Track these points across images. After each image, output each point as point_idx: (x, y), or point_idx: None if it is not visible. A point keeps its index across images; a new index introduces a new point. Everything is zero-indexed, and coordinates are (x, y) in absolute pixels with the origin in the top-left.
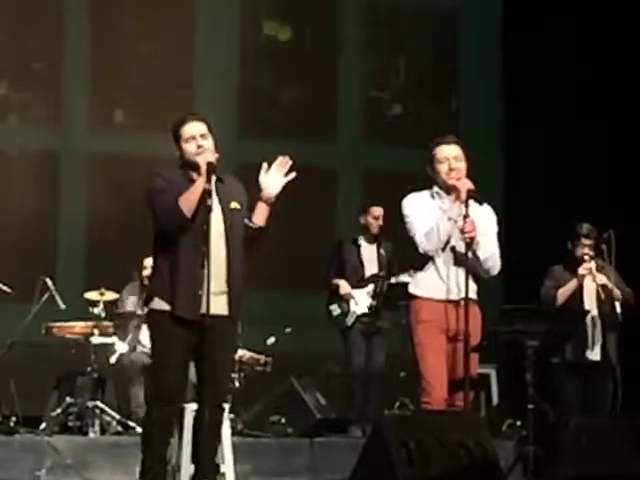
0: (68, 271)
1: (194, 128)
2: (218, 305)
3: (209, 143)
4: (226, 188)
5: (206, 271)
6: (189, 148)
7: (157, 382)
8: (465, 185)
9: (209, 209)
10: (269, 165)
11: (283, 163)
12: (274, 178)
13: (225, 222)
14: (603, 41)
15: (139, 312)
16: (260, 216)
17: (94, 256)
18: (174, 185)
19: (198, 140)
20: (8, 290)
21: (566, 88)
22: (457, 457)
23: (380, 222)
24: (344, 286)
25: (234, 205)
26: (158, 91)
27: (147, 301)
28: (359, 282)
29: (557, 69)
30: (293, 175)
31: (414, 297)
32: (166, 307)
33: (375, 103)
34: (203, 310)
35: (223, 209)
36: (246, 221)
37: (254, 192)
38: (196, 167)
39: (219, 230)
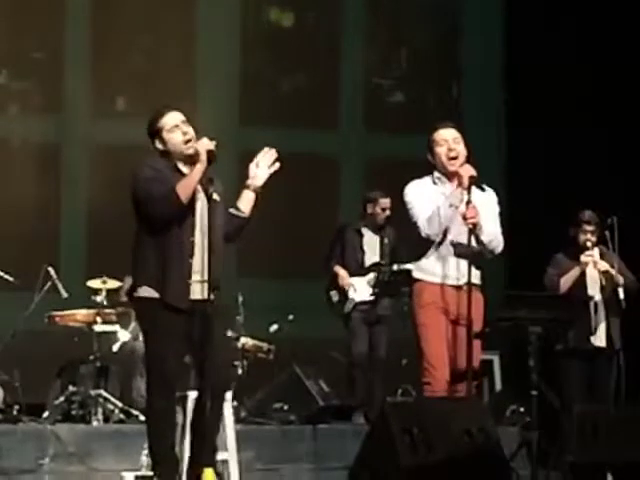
0: (70, 260)
1: (175, 117)
2: (206, 292)
3: (192, 130)
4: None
5: (198, 258)
6: (175, 137)
7: (157, 371)
8: (467, 171)
9: (210, 196)
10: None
11: (267, 154)
12: (260, 168)
13: (209, 211)
14: (606, 32)
15: None
16: (246, 205)
17: (96, 244)
18: (162, 173)
19: (182, 127)
20: (10, 279)
21: (568, 76)
22: (460, 443)
23: (387, 213)
24: (343, 276)
25: (215, 197)
26: (159, 80)
27: (132, 290)
28: (359, 270)
29: (559, 56)
30: (277, 166)
31: (417, 280)
32: (155, 295)
33: (376, 91)
34: (194, 296)
35: (208, 199)
36: (233, 211)
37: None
38: (182, 156)
39: (205, 219)
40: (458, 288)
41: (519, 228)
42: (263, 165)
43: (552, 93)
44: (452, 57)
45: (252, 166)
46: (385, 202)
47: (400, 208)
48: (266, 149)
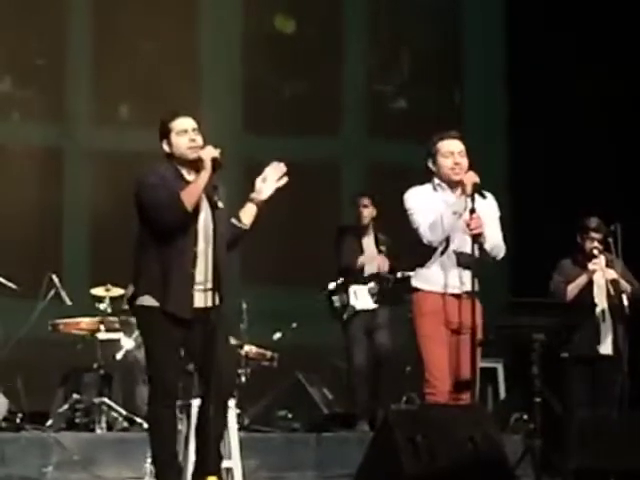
0: (74, 267)
1: (186, 122)
2: (209, 300)
3: (201, 139)
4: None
5: (202, 266)
6: (181, 142)
7: (158, 379)
8: (471, 178)
9: (215, 205)
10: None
11: (276, 168)
12: (267, 183)
13: (213, 219)
14: (607, 33)
15: None
16: (248, 217)
17: (99, 252)
18: (167, 180)
19: (191, 134)
20: (14, 287)
21: (570, 81)
22: (464, 451)
23: (368, 210)
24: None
25: (220, 204)
26: (161, 87)
27: (132, 298)
28: (358, 276)
29: (561, 57)
30: (285, 181)
31: (417, 290)
32: (156, 304)
33: (379, 97)
34: (196, 305)
35: (211, 206)
36: (234, 221)
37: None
38: (186, 161)
39: (209, 227)
40: (459, 297)
41: (521, 233)
42: (270, 180)
43: (555, 95)
44: (453, 60)
45: (258, 180)
46: (363, 200)
47: (401, 215)
48: (275, 163)
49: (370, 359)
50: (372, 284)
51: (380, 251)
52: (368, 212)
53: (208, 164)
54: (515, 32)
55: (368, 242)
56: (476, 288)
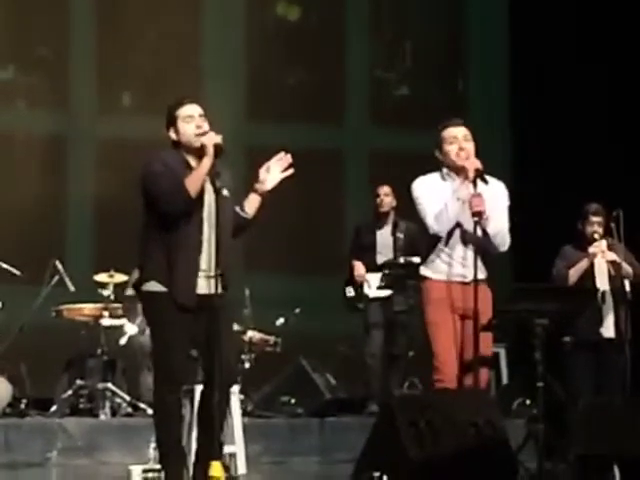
0: (77, 254)
1: (192, 108)
2: (213, 287)
3: (207, 125)
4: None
5: (206, 253)
6: (188, 128)
7: (164, 364)
8: (473, 164)
9: (217, 191)
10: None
11: (282, 159)
12: (272, 174)
13: (217, 205)
14: (607, 21)
15: None
16: (252, 207)
17: (103, 238)
18: (172, 168)
19: (197, 120)
20: (18, 273)
21: (572, 69)
22: (467, 436)
23: (389, 199)
24: (358, 267)
25: (224, 191)
26: (165, 75)
27: (139, 283)
28: (373, 266)
29: (563, 50)
30: (290, 172)
31: (425, 278)
32: (162, 289)
33: (382, 85)
34: (201, 291)
35: (216, 193)
36: (237, 210)
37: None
38: (192, 149)
39: (213, 213)
40: (465, 284)
41: (524, 219)
42: (274, 170)
43: (557, 83)
44: (457, 51)
45: (262, 170)
46: (383, 189)
47: (404, 202)
48: (281, 154)
49: (386, 346)
50: (385, 272)
51: (396, 239)
52: (389, 200)
53: (210, 150)
54: (518, 21)
55: (383, 232)
56: (483, 275)
